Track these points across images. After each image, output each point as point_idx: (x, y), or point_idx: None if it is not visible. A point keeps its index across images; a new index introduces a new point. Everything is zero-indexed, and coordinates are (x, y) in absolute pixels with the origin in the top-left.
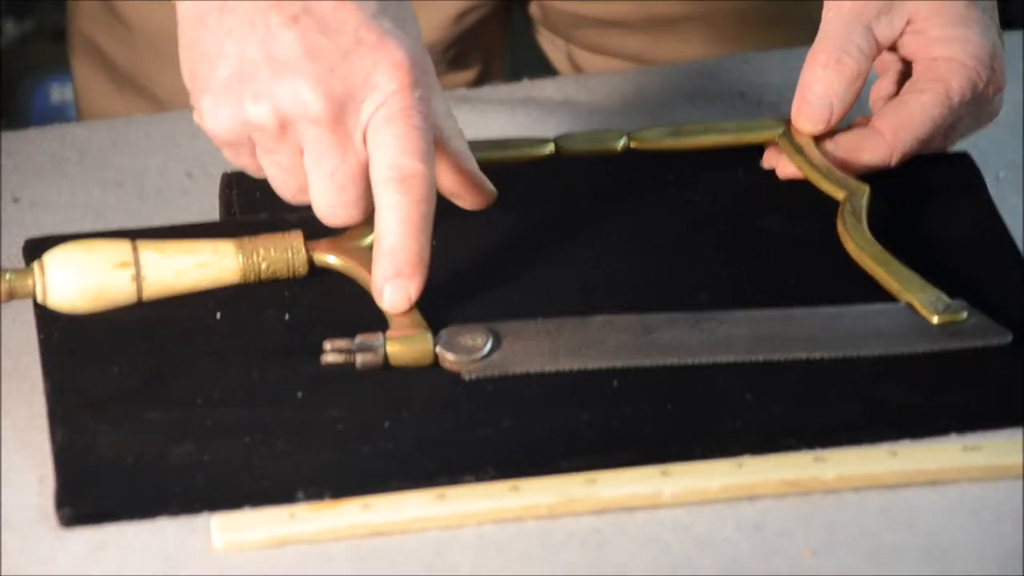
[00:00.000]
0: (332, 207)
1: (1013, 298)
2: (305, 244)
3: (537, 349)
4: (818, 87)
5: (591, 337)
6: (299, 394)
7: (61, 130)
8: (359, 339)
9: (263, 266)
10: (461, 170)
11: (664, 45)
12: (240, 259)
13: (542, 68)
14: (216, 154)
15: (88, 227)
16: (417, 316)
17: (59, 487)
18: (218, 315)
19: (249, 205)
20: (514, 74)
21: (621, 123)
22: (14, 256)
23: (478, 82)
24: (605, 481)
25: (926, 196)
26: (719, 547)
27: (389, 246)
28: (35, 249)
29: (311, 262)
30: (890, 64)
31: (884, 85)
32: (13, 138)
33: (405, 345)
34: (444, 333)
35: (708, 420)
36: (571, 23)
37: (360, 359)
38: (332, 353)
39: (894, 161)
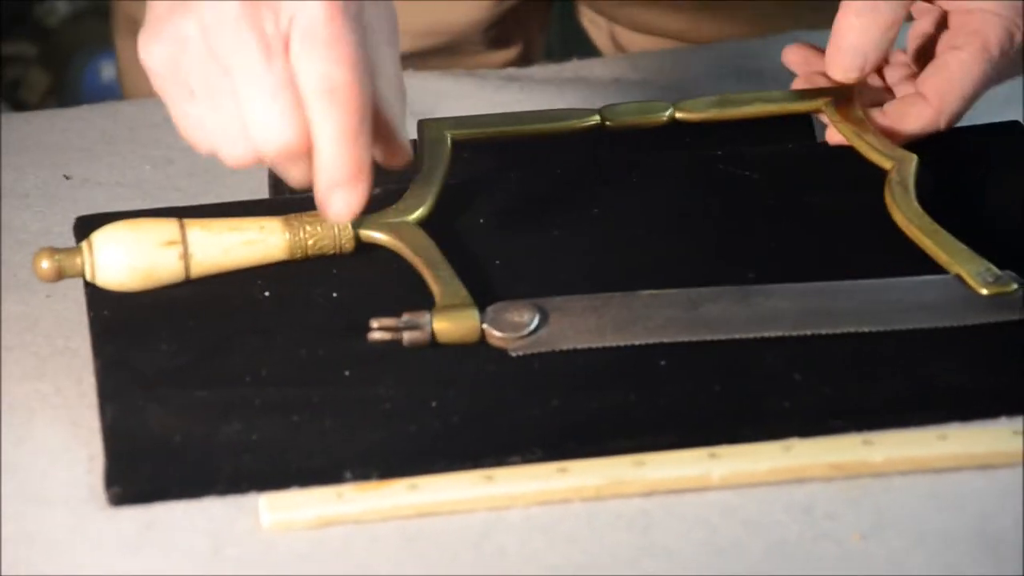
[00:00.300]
0: (265, 124)
1: None
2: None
3: (584, 325)
4: (852, 36)
5: (638, 312)
6: (347, 372)
7: (112, 108)
8: (406, 317)
9: (310, 242)
10: (380, 119)
11: (708, 24)
12: (287, 236)
13: (584, 48)
14: None
15: (138, 204)
16: (463, 293)
17: (108, 466)
18: (266, 293)
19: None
20: (557, 54)
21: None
22: (66, 233)
23: (520, 62)
24: (653, 463)
25: (975, 166)
26: (767, 530)
27: (326, 159)
28: (85, 227)
29: (357, 238)
30: (925, 9)
31: (921, 26)
32: (65, 115)
33: (452, 322)
34: (491, 310)
35: (756, 400)
36: (614, 1)
37: (407, 337)
38: (379, 331)
39: (943, 124)
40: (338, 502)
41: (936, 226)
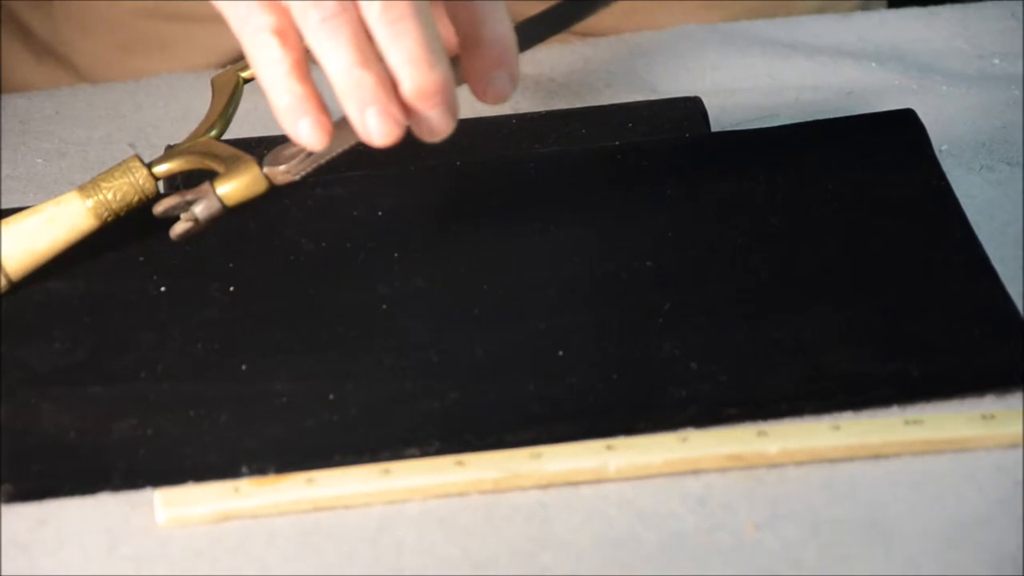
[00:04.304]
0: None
1: (958, 255)
2: (142, 160)
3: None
4: None
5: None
6: (244, 367)
7: (3, 100)
8: (188, 195)
9: (110, 196)
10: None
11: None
12: (87, 202)
13: None
14: (160, 126)
15: (31, 199)
16: (245, 156)
17: (0, 465)
18: (162, 288)
19: (192, 178)
20: None
21: (569, 96)
22: None
23: None
24: (550, 456)
25: (869, 152)
26: (663, 521)
27: (407, 81)
28: None
29: (155, 177)
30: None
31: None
32: None
33: (233, 179)
34: (266, 155)
35: (653, 390)
36: None
37: (199, 212)
38: (180, 224)
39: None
40: (235, 497)
41: None
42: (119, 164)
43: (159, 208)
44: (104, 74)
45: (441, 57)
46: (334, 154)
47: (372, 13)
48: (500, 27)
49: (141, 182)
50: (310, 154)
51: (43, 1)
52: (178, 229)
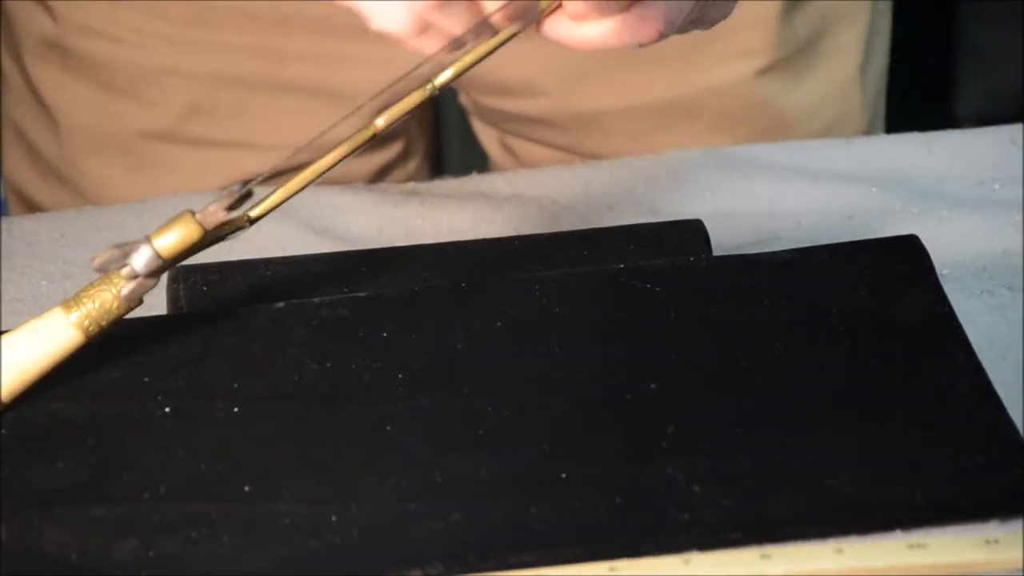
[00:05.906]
0: None
1: (960, 380)
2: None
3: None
4: None
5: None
6: (246, 488)
7: (8, 222)
8: (125, 247)
9: (91, 306)
10: None
11: (591, 138)
12: (69, 315)
13: (481, 158)
14: None
15: None
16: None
17: None
18: (166, 409)
19: (197, 299)
20: (455, 160)
21: (571, 218)
22: None
23: (400, 160)
24: None
25: (872, 277)
26: None
27: None
28: None
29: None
30: None
31: None
32: None
33: (168, 229)
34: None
35: (656, 513)
36: (500, 117)
37: (137, 266)
38: (127, 284)
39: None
40: None
41: None
42: (101, 276)
43: (97, 262)
44: (108, 195)
45: None
46: (264, 176)
47: None
48: None
49: (119, 291)
50: (243, 187)
51: (50, 122)
52: (128, 290)
